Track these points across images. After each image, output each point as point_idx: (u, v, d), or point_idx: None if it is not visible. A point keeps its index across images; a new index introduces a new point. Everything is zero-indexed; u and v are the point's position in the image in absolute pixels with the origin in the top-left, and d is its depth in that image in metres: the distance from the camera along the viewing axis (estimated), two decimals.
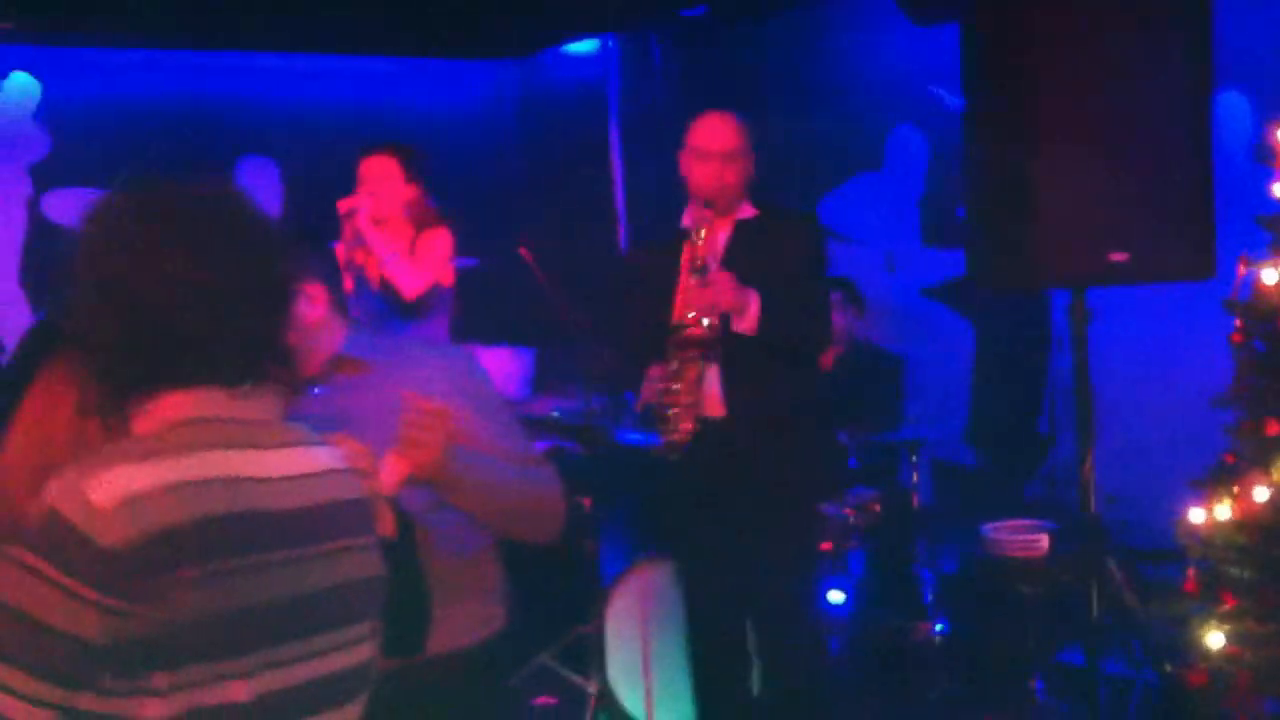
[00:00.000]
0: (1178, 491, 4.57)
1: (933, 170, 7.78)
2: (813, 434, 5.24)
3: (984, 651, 5.67)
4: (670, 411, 4.95)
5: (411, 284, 5.85)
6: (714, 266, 4.97)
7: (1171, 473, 4.67)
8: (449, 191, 6.28)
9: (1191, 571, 4.50)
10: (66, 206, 8.09)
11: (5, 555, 1.89)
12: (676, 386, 4.95)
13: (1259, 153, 4.93)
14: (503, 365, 7.16)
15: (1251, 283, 4.52)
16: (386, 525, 2.30)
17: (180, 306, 2.01)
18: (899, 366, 7.31)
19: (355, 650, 2.13)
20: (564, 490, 3.12)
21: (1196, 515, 4.49)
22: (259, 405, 2.10)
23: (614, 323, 5.49)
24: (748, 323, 4.87)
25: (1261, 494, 4.34)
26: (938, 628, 6.18)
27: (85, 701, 1.90)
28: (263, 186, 8.73)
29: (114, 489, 1.88)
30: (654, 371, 5.00)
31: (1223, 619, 4.37)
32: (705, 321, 4.92)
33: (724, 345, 4.95)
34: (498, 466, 3.01)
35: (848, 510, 6.24)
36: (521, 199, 9.42)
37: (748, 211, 5.16)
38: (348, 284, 5.64)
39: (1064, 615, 5.47)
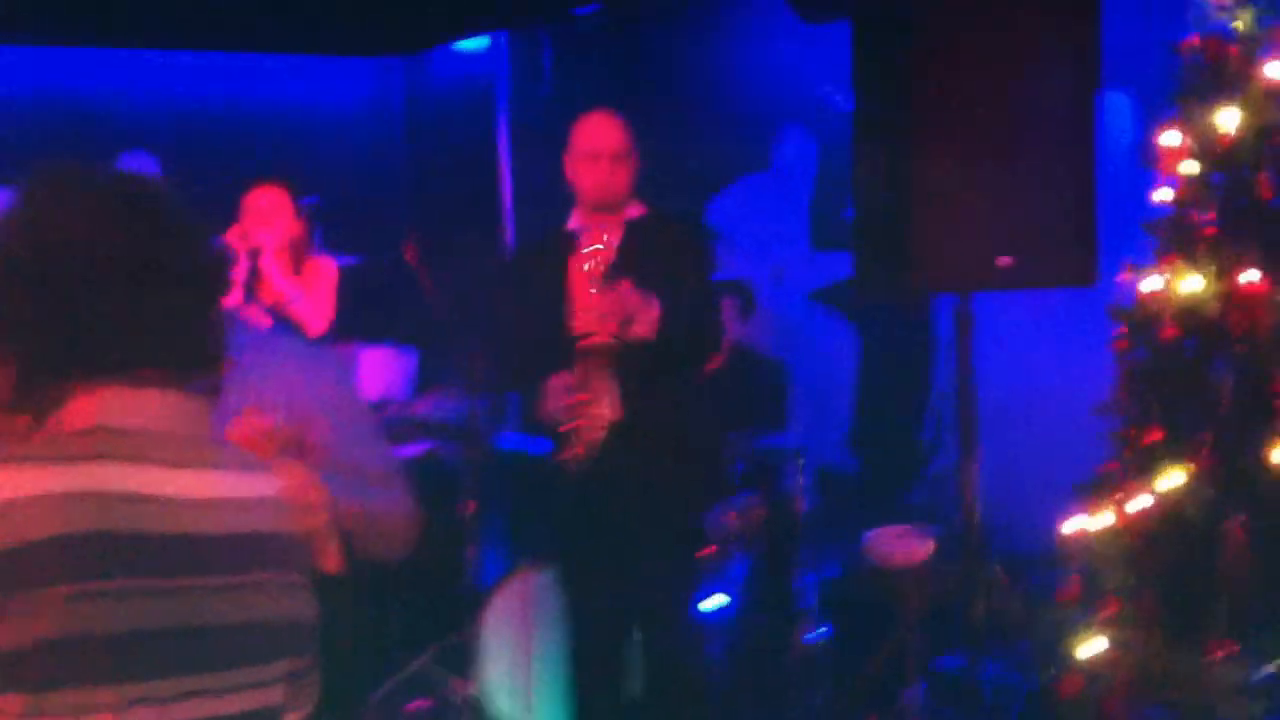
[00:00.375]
0: (1060, 498, 4.60)
1: (822, 173, 7.80)
2: (700, 440, 5.24)
3: (865, 657, 5.68)
4: (577, 423, 4.94)
5: (317, 323, 5.78)
6: (614, 274, 4.96)
7: (1054, 479, 4.70)
8: (335, 189, 6.22)
9: (1072, 578, 4.53)
10: None
11: None
12: (584, 398, 4.93)
13: (1144, 157, 4.98)
14: (385, 365, 7.09)
15: (1135, 289, 4.55)
16: (330, 561, 2.24)
17: (91, 282, 1.92)
18: (784, 371, 7.32)
19: (256, 694, 1.98)
20: (415, 509, 3.03)
21: (1078, 522, 4.53)
22: (183, 416, 1.98)
23: (501, 329, 5.44)
24: (645, 327, 4.86)
25: (1142, 501, 4.38)
26: (819, 633, 6.20)
27: None
28: None
29: None
30: (556, 381, 4.96)
31: (1102, 625, 4.41)
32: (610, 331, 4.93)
33: (618, 352, 4.95)
34: (339, 483, 2.81)
35: (731, 516, 6.24)
36: (407, 197, 9.40)
37: (635, 212, 5.14)
38: (261, 319, 5.58)
39: (945, 621, 5.50)
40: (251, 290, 5.67)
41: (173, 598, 1.88)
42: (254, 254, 5.74)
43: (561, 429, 4.97)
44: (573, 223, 5.15)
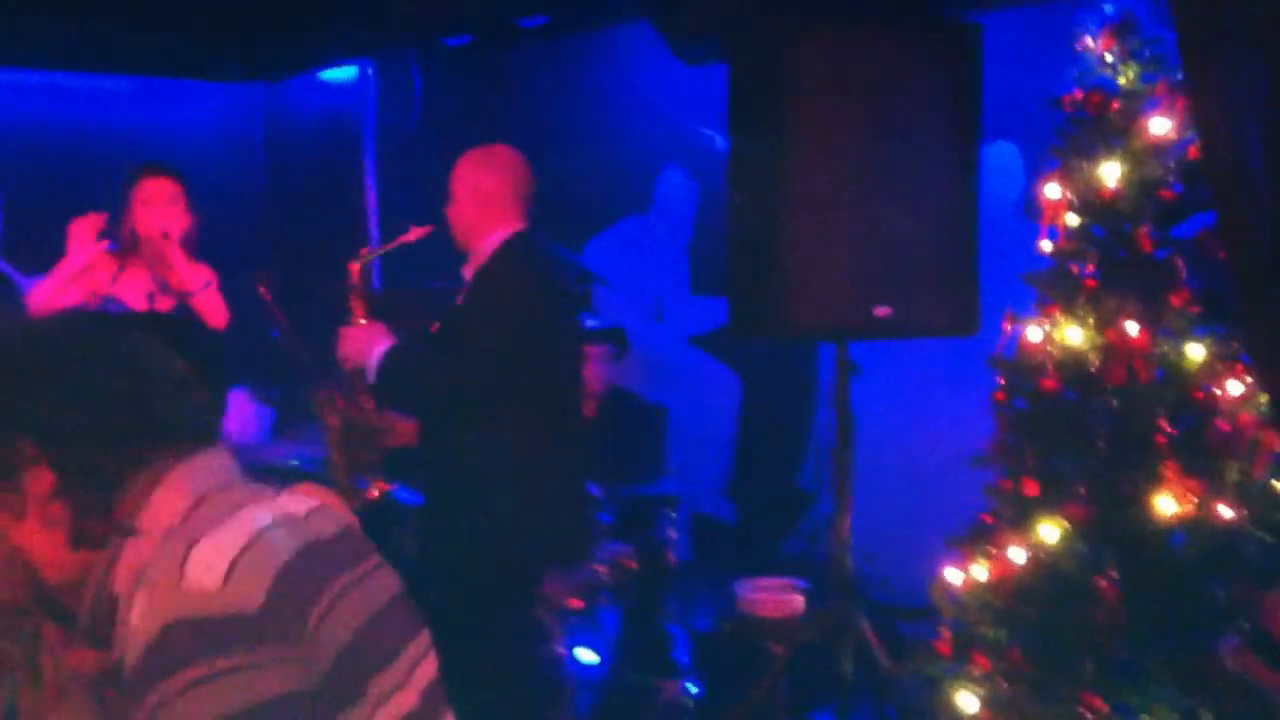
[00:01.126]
0: (936, 550, 4.61)
1: (702, 214, 7.81)
2: (554, 488, 5.15)
3: (735, 712, 5.66)
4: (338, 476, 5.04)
5: (221, 316, 5.77)
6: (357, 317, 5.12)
7: (931, 531, 4.71)
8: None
9: (945, 632, 4.54)
10: None
11: (180, 689, 1.90)
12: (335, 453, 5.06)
13: (1027, 208, 5.02)
14: (241, 408, 6.99)
15: (1016, 340, 4.58)
16: None
17: (140, 390, 2.12)
18: (662, 416, 7.31)
19: (433, 661, 2.26)
20: None
21: (953, 575, 4.54)
22: (229, 464, 2.21)
23: None
24: (370, 375, 4.95)
25: (1018, 555, 4.39)
26: (689, 687, 6.18)
27: None
28: None
29: (217, 564, 1.97)
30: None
31: (975, 681, 4.41)
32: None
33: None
34: None
35: (600, 566, 6.20)
36: (266, 229, 9.26)
37: (490, 249, 5.08)
38: (165, 305, 5.53)
39: (816, 674, 5.49)
40: (163, 279, 5.62)
41: (359, 588, 2.13)
42: (163, 238, 5.67)
43: None
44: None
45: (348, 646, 2.04)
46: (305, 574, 2.03)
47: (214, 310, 5.75)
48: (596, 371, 6.82)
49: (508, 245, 5.08)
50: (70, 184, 6.14)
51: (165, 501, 2.10)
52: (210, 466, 2.17)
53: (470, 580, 4.99)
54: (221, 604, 1.93)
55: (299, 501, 2.19)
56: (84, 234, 5.74)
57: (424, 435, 5.14)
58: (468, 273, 5.10)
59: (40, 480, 2.11)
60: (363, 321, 5.10)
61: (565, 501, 5.24)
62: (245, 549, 1.99)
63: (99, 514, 2.11)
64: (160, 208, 5.80)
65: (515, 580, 5.10)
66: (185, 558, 1.98)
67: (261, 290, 6.31)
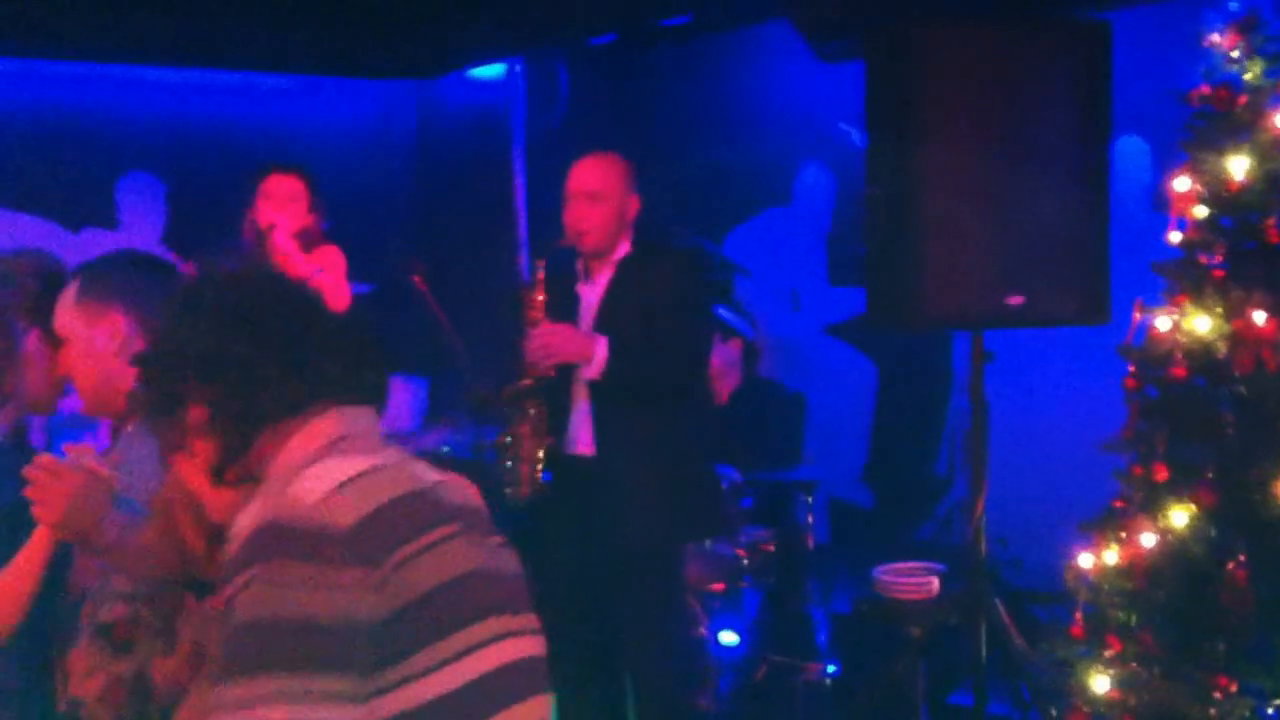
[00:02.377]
0: (1069, 534, 4.72)
1: (840, 208, 7.94)
2: (686, 471, 5.39)
3: (873, 693, 5.80)
4: (507, 464, 5.17)
5: (338, 300, 5.90)
6: (544, 319, 5.23)
7: (1064, 515, 4.82)
8: (341, 214, 6.36)
9: (1078, 615, 4.64)
10: None
11: (246, 581, 1.99)
12: (509, 439, 5.18)
13: (1156, 200, 5.12)
14: (394, 396, 7.23)
15: (1145, 329, 4.69)
16: None
17: (307, 334, 2.26)
18: (800, 404, 7.45)
19: (531, 640, 2.24)
20: None
21: (1085, 559, 4.64)
22: (373, 423, 2.31)
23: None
24: (593, 370, 5.08)
25: (1148, 539, 4.50)
26: (829, 669, 6.31)
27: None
28: (145, 204, 8.67)
29: (323, 482, 2.07)
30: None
31: (1107, 663, 4.52)
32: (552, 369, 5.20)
33: (592, 387, 5.15)
34: None
35: (740, 550, 6.36)
36: (417, 224, 9.43)
37: (624, 250, 5.34)
38: None
39: (952, 656, 5.61)
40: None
41: (459, 542, 2.15)
42: (269, 230, 5.91)
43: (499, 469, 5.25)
44: (581, 262, 5.39)
45: (428, 594, 2.05)
46: (405, 513, 2.09)
47: (334, 292, 5.86)
48: (729, 361, 7.02)
49: (646, 245, 5.37)
50: (230, 179, 6.36)
51: (300, 444, 2.20)
52: (355, 418, 2.25)
53: (621, 562, 5.22)
54: (315, 516, 2.01)
55: (432, 471, 2.25)
56: None
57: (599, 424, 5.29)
58: (599, 270, 5.34)
59: (197, 413, 2.22)
60: (540, 319, 5.25)
61: (703, 479, 5.51)
62: (353, 478, 2.09)
63: (236, 453, 2.22)
64: (278, 203, 6.04)
65: (661, 561, 5.34)
66: (296, 476, 2.10)
67: (417, 280, 6.55)
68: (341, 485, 2.07)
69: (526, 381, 5.20)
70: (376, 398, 2.34)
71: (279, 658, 1.94)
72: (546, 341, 5.18)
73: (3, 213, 8.10)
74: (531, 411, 5.22)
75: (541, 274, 5.32)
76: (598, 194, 5.27)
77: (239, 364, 2.21)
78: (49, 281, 3.44)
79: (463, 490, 2.28)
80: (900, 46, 5.08)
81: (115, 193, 8.58)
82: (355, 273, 6.21)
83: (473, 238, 8.95)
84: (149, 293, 3.17)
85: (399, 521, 2.07)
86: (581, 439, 5.27)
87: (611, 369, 5.11)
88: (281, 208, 6.00)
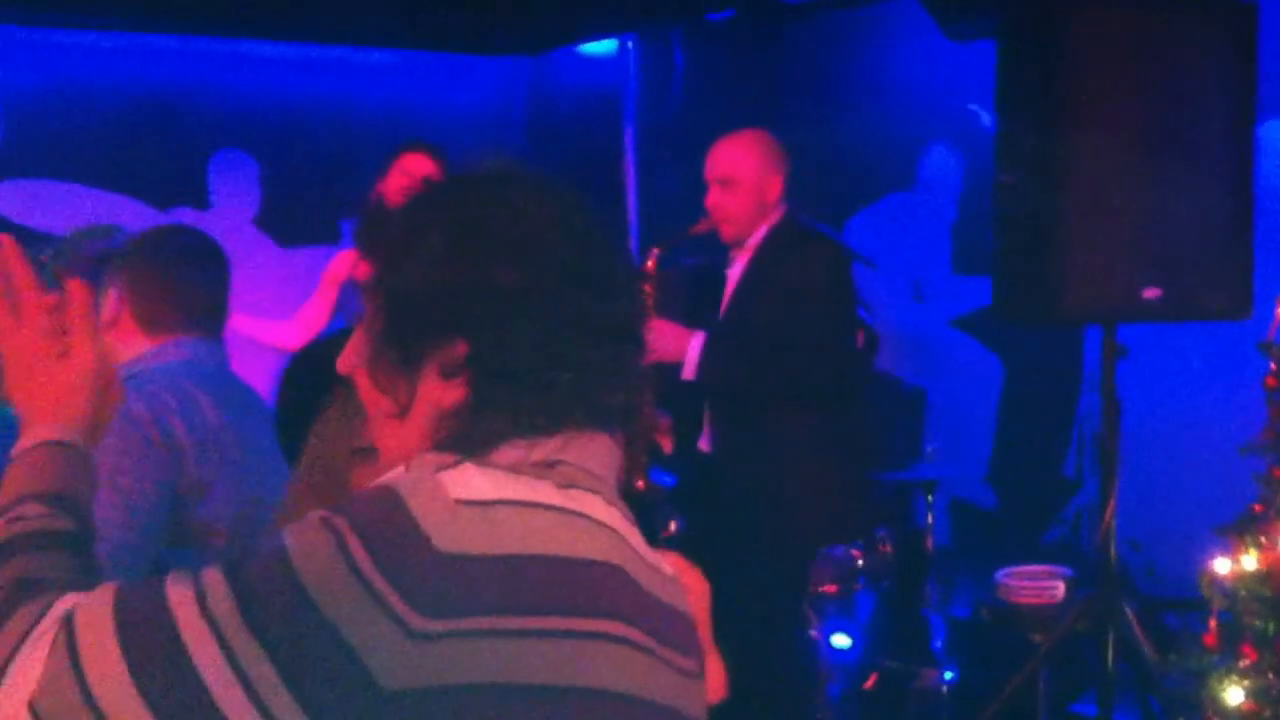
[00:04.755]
0: (1204, 539, 4.68)
1: (967, 193, 7.90)
2: (818, 473, 5.38)
3: (992, 701, 5.79)
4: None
5: None
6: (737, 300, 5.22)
7: (1199, 519, 4.79)
8: None
9: (1212, 623, 4.61)
10: (19, 201, 8.00)
11: (318, 520, 1.64)
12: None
13: None
14: None
15: None
16: (714, 685, 1.94)
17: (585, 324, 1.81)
18: (919, 399, 7.42)
19: None
20: None
21: (1221, 565, 4.61)
22: (615, 465, 1.86)
23: None
24: (687, 370, 5.07)
25: None
26: (946, 675, 6.30)
27: None
28: (238, 183, 8.68)
29: (472, 488, 1.65)
30: None
31: (1242, 674, 4.48)
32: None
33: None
34: None
35: (855, 552, 6.35)
36: None
37: (763, 234, 5.32)
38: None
39: (1078, 664, 5.59)
40: None
41: (624, 651, 1.69)
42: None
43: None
44: (732, 247, 5.38)
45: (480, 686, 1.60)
46: (530, 577, 1.62)
47: None
48: None
49: (786, 227, 5.34)
50: (329, 158, 6.36)
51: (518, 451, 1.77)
52: (592, 451, 1.81)
53: (748, 559, 5.22)
54: (431, 518, 1.60)
55: (642, 549, 1.79)
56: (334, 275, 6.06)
57: (714, 421, 5.29)
58: (741, 254, 5.33)
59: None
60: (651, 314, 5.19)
61: (842, 482, 5.48)
62: (506, 507, 1.65)
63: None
64: (411, 183, 5.99)
65: (792, 562, 5.34)
66: (466, 467, 1.68)
67: None
68: (487, 506, 1.64)
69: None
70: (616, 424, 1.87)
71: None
72: (654, 339, 5.14)
73: (93, 192, 8.20)
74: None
75: (652, 263, 5.28)
76: (730, 180, 5.25)
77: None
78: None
79: (673, 588, 1.82)
80: (1037, 25, 5.05)
81: (208, 171, 8.61)
82: None
83: None
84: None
85: (518, 584, 1.61)
86: (705, 435, 5.28)
87: (703, 371, 5.09)
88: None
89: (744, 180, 5.26)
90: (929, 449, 6.91)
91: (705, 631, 1.91)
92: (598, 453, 1.80)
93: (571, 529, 1.67)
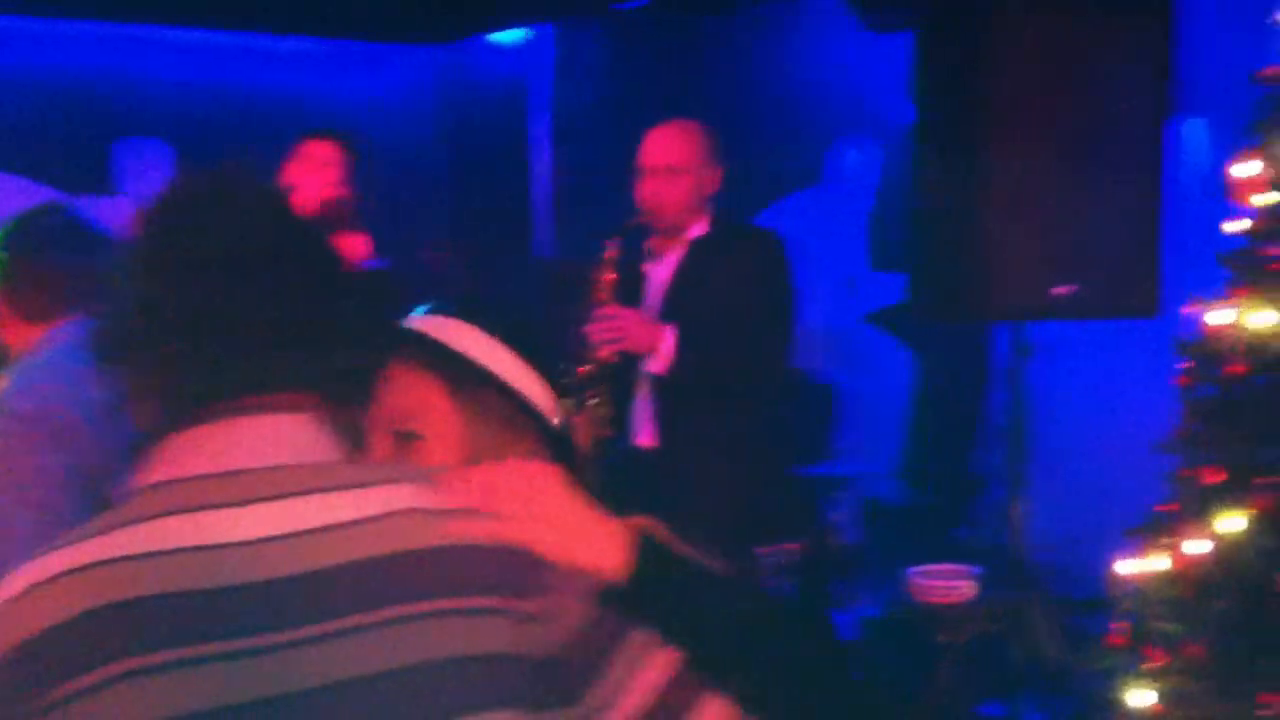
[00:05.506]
0: (1112, 538, 4.67)
1: (883, 188, 7.87)
2: (759, 470, 5.28)
3: (902, 700, 5.75)
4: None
5: None
6: (612, 302, 5.06)
7: (1108, 519, 4.77)
8: (359, 184, 6.27)
9: (1120, 624, 4.59)
10: None
11: None
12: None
13: (1217, 185, 5.05)
14: None
15: (1201, 322, 4.62)
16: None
17: (243, 286, 1.74)
18: (828, 395, 7.37)
19: None
20: None
21: (1129, 565, 4.59)
22: (304, 437, 1.73)
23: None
24: (659, 363, 4.96)
25: (1198, 546, 4.44)
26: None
27: None
28: (150, 170, 8.58)
29: (18, 579, 1.62)
30: None
31: (1150, 674, 4.47)
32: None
33: (654, 378, 5.05)
34: None
35: (764, 549, 6.29)
36: (438, 196, 9.36)
37: (700, 230, 5.23)
38: None
39: (986, 664, 5.57)
40: None
41: (261, 657, 1.59)
42: (287, 192, 5.76)
43: None
44: (650, 240, 5.28)
45: None
46: (84, 637, 1.58)
47: None
48: None
49: (723, 222, 5.25)
50: (240, 146, 6.26)
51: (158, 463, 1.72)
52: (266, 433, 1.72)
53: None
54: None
55: (308, 513, 1.67)
56: None
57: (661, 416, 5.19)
58: (669, 249, 5.24)
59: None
60: (608, 302, 5.06)
61: (780, 479, 5.42)
62: (42, 586, 1.61)
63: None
64: (309, 168, 5.78)
65: (739, 561, 5.26)
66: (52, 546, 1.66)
67: (434, 262, 6.47)
68: (23, 594, 1.60)
69: (585, 368, 5.06)
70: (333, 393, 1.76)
71: None
72: (614, 325, 4.98)
73: (8, 179, 8.08)
74: (591, 401, 5.02)
75: (612, 253, 5.13)
76: (673, 168, 5.12)
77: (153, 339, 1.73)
78: None
79: (380, 537, 1.66)
80: (957, 20, 5.00)
81: (115, 158, 8.55)
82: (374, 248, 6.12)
83: (493, 213, 8.90)
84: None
85: (71, 649, 1.55)
86: (644, 430, 5.16)
87: (678, 364, 4.99)
88: (313, 172, 5.84)
89: (687, 169, 5.16)
90: (839, 445, 6.87)
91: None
92: (264, 437, 1.70)
93: (96, 582, 1.60)
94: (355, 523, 1.64)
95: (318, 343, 1.74)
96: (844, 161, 8.01)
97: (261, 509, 1.64)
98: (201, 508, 1.63)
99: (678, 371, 4.95)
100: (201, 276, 1.71)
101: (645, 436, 5.13)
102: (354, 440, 1.77)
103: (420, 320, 2.23)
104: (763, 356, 5.16)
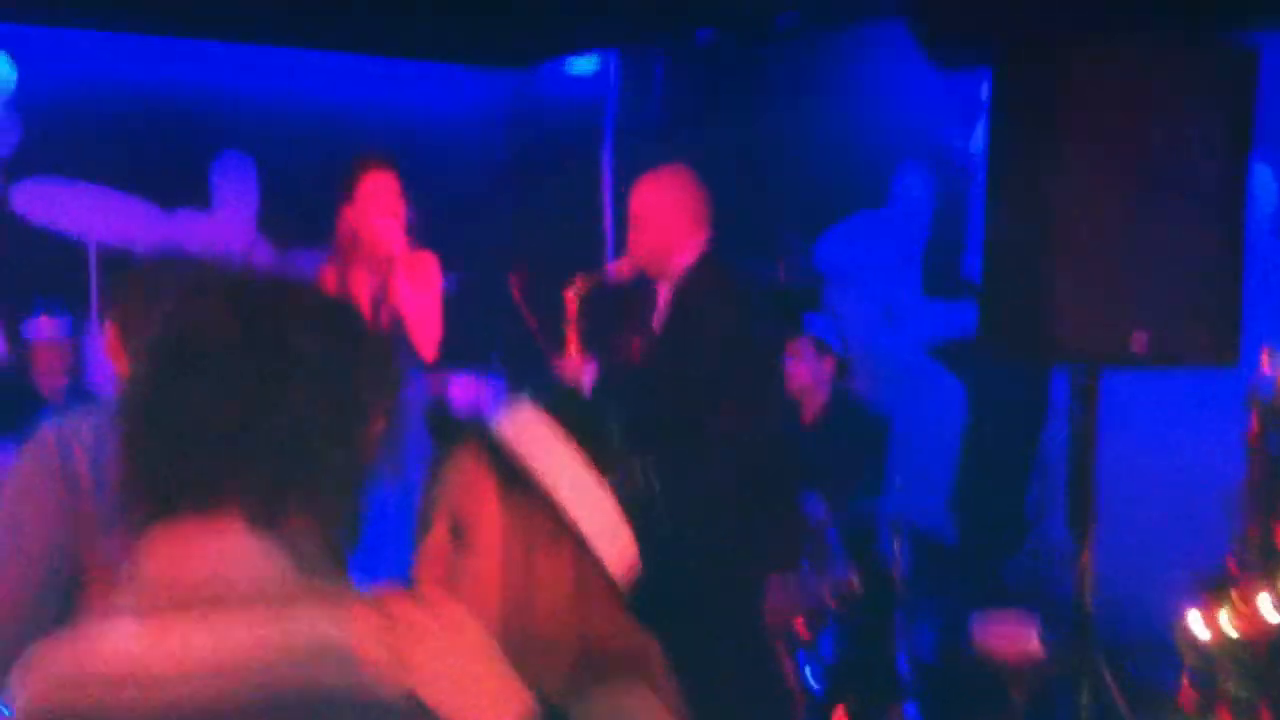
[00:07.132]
0: (1176, 590, 4.60)
1: (940, 215, 7.82)
2: (754, 499, 5.26)
3: None
4: None
5: (429, 348, 5.77)
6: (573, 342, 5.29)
7: (1171, 569, 4.71)
8: (431, 201, 6.23)
9: (1186, 681, 4.53)
10: (36, 199, 8.18)
11: None
12: None
13: None
14: (468, 391, 7.16)
15: (1273, 375, 4.55)
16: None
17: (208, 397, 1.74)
18: (884, 428, 7.26)
19: None
20: None
21: (1197, 622, 4.52)
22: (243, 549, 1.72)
23: None
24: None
25: (1264, 604, 4.37)
26: (911, 712, 6.20)
27: None
28: (238, 183, 8.82)
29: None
30: None
31: None
32: None
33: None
34: None
35: (824, 588, 6.21)
36: (507, 216, 9.42)
37: (680, 272, 5.23)
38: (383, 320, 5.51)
39: (1048, 714, 5.49)
40: (377, 307, 5.62)
41: None
42: (387, 264, 5.72)
43: None
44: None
45: None
46: None
47: (427, 342, 5.73)
48: (819, 377, 6.87)
49: (703, 268, 5.24)
50: (322, 161, 6.31)
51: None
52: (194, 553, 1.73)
53: (686, 593, 5.10)
54: None
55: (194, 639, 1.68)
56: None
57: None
58: (661, 286, 5.25)
59: None
60: (575, 352, 5.29)
61: (776, 507, 5.38)
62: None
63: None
64: (381, 205, 5.77)
65: (736, 590, 5.22)
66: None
67: (513, 286, 6.43)
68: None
69: None
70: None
71: None
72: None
73: (100, 190, 8.31)
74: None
75: (573, 294, 5.39)
76: (639, 218, 5.23)
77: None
78: None
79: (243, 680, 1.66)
80: (1037, 59, 4.93)
81: (210, 174, 8.78)
82: (445, 263, 6.07)
83: (561, 237, 8.88)
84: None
85: None
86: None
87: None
88: (374, 210, 5.75)
89: (653, 218, 5.20)
90: (897, 481, 6.78)
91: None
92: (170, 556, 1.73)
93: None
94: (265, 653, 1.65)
95: (263, 453, 1.72)
96: (905, 187, 7.95)
97: (173, 623, 1.66)
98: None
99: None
100: (191, 390, 1.72)
101: None
102: (299, 553, 1.74)
103: (506, 410, 2.22)
104: (731, 408, 5.15)
